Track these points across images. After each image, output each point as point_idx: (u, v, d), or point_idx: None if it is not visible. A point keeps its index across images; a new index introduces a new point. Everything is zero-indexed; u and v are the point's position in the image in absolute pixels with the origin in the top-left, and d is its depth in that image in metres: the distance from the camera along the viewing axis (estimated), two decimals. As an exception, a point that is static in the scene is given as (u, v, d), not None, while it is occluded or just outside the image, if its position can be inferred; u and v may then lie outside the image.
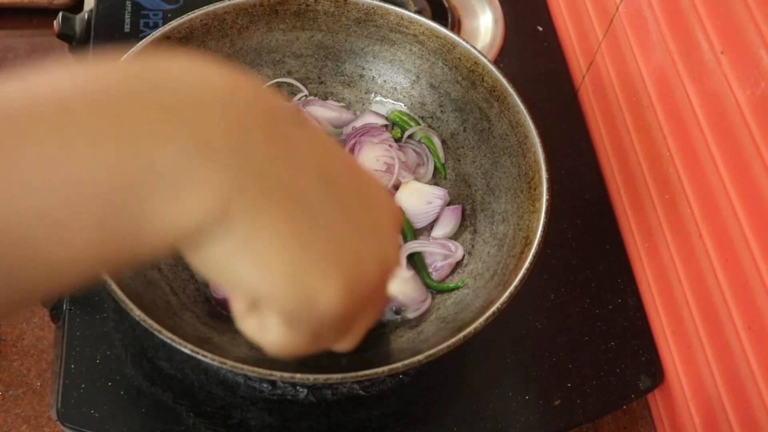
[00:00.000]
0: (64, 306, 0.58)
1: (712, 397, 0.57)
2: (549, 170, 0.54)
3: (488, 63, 0.59)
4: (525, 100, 0.58)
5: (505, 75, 0.59)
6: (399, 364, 0.47)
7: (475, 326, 0.48)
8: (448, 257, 0.60)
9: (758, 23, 0.49)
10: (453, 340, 0.47)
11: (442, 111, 0.65)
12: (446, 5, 0.82)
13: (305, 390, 0.57)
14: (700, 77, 0.56)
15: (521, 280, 0.50)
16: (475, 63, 0.60)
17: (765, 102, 0.49)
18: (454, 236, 0.62)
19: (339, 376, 0.47)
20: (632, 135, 0.68)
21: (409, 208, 0.62)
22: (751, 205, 0.51)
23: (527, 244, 0.53)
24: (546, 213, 0.53)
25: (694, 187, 0.58)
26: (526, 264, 0.51)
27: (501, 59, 0.80)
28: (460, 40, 0.60)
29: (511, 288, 0.49)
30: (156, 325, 0.46)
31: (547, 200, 0.53)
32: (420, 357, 0.47)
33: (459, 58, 0.61)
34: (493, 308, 0.48)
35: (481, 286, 0.56)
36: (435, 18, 0.63)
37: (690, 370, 0.60)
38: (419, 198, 0.62)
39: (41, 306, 0.58)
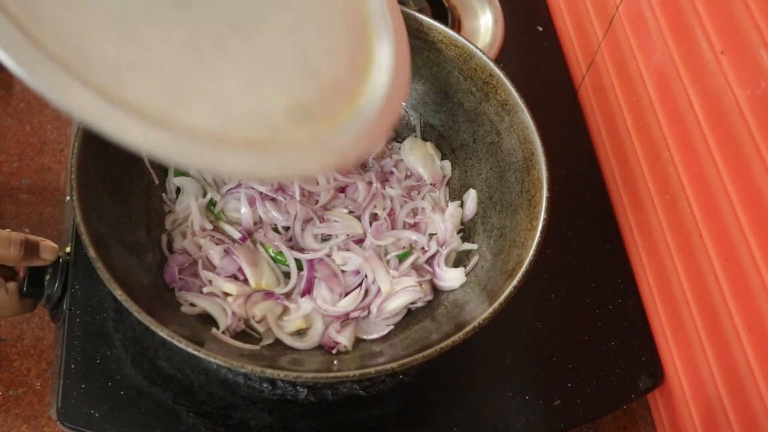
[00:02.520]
0: (64, 306, 0.58)
1: (712, 397, 0.57)
2: (550, 189, 0.54)
3: (503, 76, 0.59)
4: (528, 105, 0.58)
5: (518, 89, 0.59)
6: (395, 364, 0.47)
7: (453, 339, 0.48)
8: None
9: (758, 23, 0.49)
10: (429, 351, 0.47)
11: (453, 120, 0.65)
12: (446, 5, 0.82)
13: (305, 390, 0.57)
14: (700, 77, 0.56)
15: (507, 298, 0.49)
16: (490, 75, 0.60)
17: (765, 102, 0.49)
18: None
19: (331, 374, 0.47)
20: (632, 135, 0.68)
21: (416, 164, 0.64)
22: (751, 205, 0.51)
23: (519, 261, 0.52)
24: (542, 233, 0.52)
25: (694, 186, 0.58)
26: (514, 282, 0.50)
27: (501, 59, 0.80)
28: (477, 51, 0.60)
29: (495, 305, 0.49)
30: (155, 323, 0.46)
31: (545, 219, 0.53)
32: (394, 365, 0.46)
33: (475, 69, 0.61)
34: (474, 323, 0.48)
35: (475, 297, 0.56)
36: (435, 18, 0.63)
37: (690, 370, 0.60)
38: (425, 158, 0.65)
39: (41, 306, 0.58)
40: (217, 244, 0.58)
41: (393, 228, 0.61)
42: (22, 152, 0.77)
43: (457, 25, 0.82)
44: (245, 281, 0.57)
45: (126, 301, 0.46)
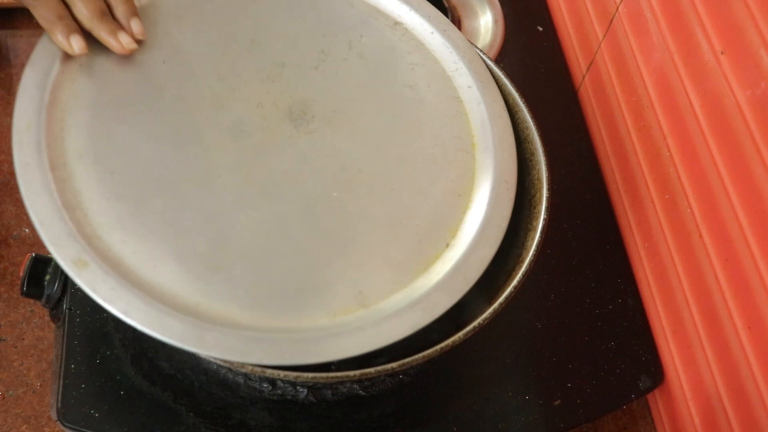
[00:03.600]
0: (64, 306, 0.58)
1: (712, 397, 0.57)
2: (550, 189, 0.54)
3: (503, 76, 0.59)
4: (528, 105, 0.58)
5: (518, 89, 0.59)
6: (395, 364, 0.47)
7: (453, 340, 0.47)
8: None
9: (758, 23, 0.49)
10: (429, 351, 0.47)
11: None
12: (446, 5, 0.82)
13: (305, 390, 0.57)
14: (700, 77, 0.56)
15: (507, 298, 0.49)
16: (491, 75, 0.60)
17: (765, 102, 0.49)
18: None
19: (331, 374, 0.47)
20: (632, 135, 0.68)
21: None
22: (751, 205, 0.51)
23: (519, 261, 0.52)
24: (542, 233, 0.52)
25: (694, 186, 0.58)
26: (514, 282, 0.50)
27: (501, 59, 0.80)
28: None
29: (495, 305, 0.49)
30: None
31: (545, 219, 0.53)
32: (394, 365, 0.46)
33: None
34: (474, 323, 0.48)
35: (475, 297, 0.56)
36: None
37: (690, 370, 0.60)
38: None
39: (42, 306, 0.58)
40: None
41: None
42: (22, 152, 0.77)
43: (457, 25, 0.82)
44: None
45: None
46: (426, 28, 0.59)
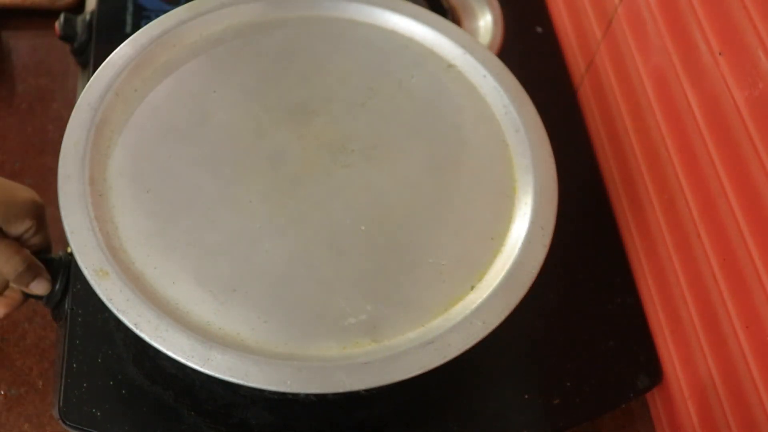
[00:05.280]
0: (66, 306, 0.58)
1: (710, 396, 0.57)
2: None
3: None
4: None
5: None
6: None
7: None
8: None
9: (756, 24, 0.49)
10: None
11: None
12: (445, 6, 0.82)
13: (306, 389, 0.57)
14: (699, 78, 0.57)
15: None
16: None
17: (762, 102, 0.49)
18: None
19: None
20: (631, 135, 0.69)
21: None
22: (749, 205, 0.51)
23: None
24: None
25: (692, 186, 0.59)
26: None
27: (500, 60, 0.80)
28: None
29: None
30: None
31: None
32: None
33: None
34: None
35: None
36: (435, 19, 0.63)
37: (688, 369, 0.60)
38: None
39: (43, 306, 0.59)
40: None
41: None
42: (24, 153, 0.78)
43: (456, 26, 0.82)
44: None
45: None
46: (479, 71, 0.59)
